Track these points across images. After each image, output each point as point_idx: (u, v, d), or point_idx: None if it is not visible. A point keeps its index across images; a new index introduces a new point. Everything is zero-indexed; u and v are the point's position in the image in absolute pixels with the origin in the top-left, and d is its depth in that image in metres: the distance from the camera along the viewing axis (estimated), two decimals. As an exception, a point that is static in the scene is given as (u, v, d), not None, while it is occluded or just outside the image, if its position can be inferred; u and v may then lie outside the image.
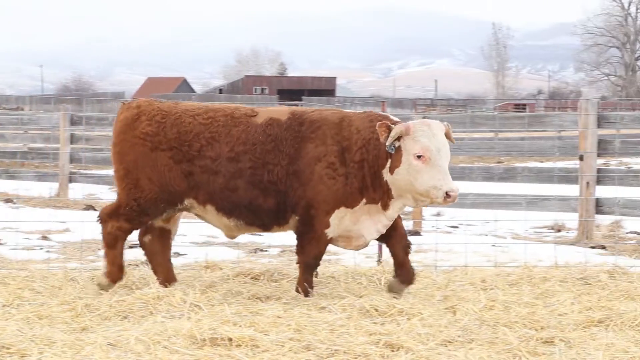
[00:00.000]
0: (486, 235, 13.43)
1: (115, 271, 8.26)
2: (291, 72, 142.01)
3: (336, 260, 10.56)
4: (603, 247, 11.93)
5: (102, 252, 8.47)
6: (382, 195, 7.88)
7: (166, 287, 8.11)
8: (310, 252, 8.05)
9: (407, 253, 8.19)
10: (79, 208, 15.97)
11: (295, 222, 8.07)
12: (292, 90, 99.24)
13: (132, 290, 8.12)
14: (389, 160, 7.74)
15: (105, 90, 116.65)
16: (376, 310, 7.47)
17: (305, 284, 8.07)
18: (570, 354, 6.33)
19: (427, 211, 15.10)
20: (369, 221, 8.01)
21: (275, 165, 7.93)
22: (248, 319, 7.04)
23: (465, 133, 24.55)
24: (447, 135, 7.76)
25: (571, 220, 13.20)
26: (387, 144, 7.62)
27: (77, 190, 17.33)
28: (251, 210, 8.04)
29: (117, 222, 8.21)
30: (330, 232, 8.00)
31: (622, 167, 22.46)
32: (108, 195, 18.67)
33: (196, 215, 8.39)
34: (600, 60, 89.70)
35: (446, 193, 7.51)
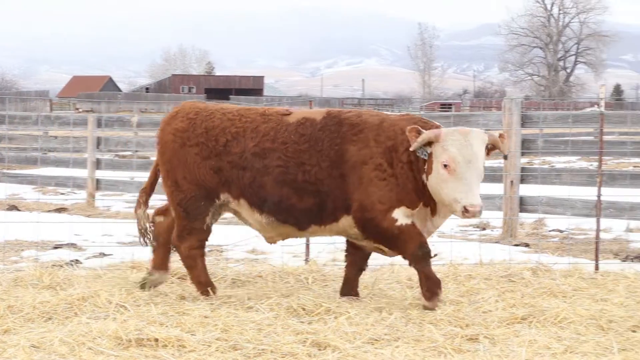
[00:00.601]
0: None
1: (203, 288, 8.12)
2: (219, 71, 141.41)
3: (264, 259, 10.54)
4: (527, 245, 12.09)
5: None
6: (429, 200, 7.63)
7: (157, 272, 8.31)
8: (406, 248, 7.70)
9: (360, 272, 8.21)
10: (2, 208, 15.70)
11: (351, 224, 7.77)
12: (219, 90, 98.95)
13: (57, 291, 8.02)
14: (426, 166, 7.53)
15: (29, 89, 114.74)
16: (304, 309, 7.47)
17: (431, 280, 7.68)
18: (494, 350, 6.40)
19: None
20: (429, 223, 7.81)
21: (313, 165, 7.73)
22: (174, 319, 7.00)
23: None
24: (496, 146, 7.55)
25: (496, 218, 13.35)
26: (412, 149, 7.43)
27: (0, 190, 17.02)
28: (283, 208, 7.83)
29: (185, 241, 8.12)
30: (404, 222, 7.64)
31: (546, 166, 22.79)
32: (32, 195, 18.42)
33: (235, 214, 8.28)
34: (524, 61, 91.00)
35: (464, 207, 7.24)
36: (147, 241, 8.47)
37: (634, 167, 24.19)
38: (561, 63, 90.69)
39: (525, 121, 12.94)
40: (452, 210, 7.40)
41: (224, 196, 8.02)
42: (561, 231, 13.47)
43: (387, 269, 9.54)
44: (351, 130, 7.76)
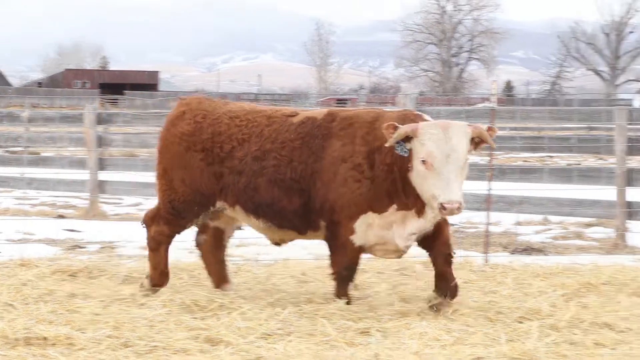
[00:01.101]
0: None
1: (157, 276, 8.02)
2: (113, 66, 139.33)
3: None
4: (420, 239, 12.22)
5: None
6: (415, 201, 7.30)
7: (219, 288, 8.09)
8: (339, 262, 7.53)
9: (448, 263, 7.64)
10: None
11: (324, 229, 7.60)
12: (114, 84, 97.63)
13: (-57, 290, 7.81)
14: (410, 164, 7.21)
15: None
16: (197, 305, 7.43)
17: (342, 297, 7.53)
18: (385, 343, 6.46)
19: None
20: (401, 228, 7.45)
21: (301, 162, 7.52)
22: (64, 317, 6.90)
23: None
24: (484, 139, 7.19)
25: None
26: (387, 144, 7.09)
27: None
28: (276, 212, 7.63)
29: (158, 226, 8.00)
30: (356, 240, 7.46)
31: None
32: None
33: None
34: (419, 57, 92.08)
35: (441, 204, 6.91)
36: None
37: (524, 161, 24.72)
38: (455, 59, 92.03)
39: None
40: (432, 208, 7.11)
41: (219, 204, 7.85)
42: (452, 225, 13.65)
43: (281, 264, 9.56)
44: (340, 124, 7.51)
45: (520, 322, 7.11)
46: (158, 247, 8.00)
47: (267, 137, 7.65)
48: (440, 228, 7.56)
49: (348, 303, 7.44)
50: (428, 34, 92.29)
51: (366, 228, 7.41)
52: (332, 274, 7.60)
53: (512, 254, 11.15)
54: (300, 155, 7.50)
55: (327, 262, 7.65)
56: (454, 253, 7.70)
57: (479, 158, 23.52)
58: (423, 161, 7.01)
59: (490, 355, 6.13)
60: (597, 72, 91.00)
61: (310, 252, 10.45)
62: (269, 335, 6.69)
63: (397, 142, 7.06)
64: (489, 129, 7.21)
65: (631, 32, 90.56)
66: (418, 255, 9.81)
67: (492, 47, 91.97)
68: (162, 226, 7.96)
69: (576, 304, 7.76)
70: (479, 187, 11.33)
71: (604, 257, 10.62)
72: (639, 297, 8.12)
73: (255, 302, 7.59)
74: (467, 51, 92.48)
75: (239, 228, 8.62)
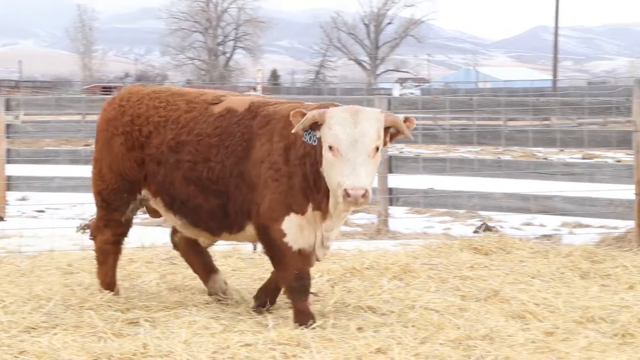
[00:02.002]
0: (73, 218, 13.23)
1: (106, 287, 7.58)
2: None
3: None
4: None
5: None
6: (323, 198, 6.77)
7: (208, 282, 7.68)
8: (286, 275, 6.87)
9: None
10: None
11: (253, 234, 7.04)
12: None
13: None
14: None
15: None
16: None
17: (302, 313, 6.81)
18: (154, 333, 6.40)
19: (12, 195, 14.57)
20: (313, 233, 6.90)
21: (217, 162, 6.97)
22: None
23: (52, 115, 24.11)
24: (399, 129, 6.63)
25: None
26: (293, 131, 6.57)
27: None
28: (191, 209, 7.14)
29: (102, 235, 7.59)
30: (291, 242, 6.82)
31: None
32: None
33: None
34: (185, 45, 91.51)
35: (345, 191, 6.30)
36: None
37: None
38: (221, 48, 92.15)
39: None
40: (336, 198, 6.49)
41: (144, 191, 7.41)
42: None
43: (46, 255, 9.30)
44: (260, 123, 6.98)
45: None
46: (105, 258, 7.59)
47: (184, 125, 7.16)
48: None
49: (310, 316, 6.78)
50: (193, 22, 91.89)
51: (298, 229, 6.83)
52: (284, 292, 7.03)
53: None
54: (216, 154, 6.98)
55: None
56: None
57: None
58: (330, 147, 6.47)
59: (258, 341, 6.19)
60: (359, 62, 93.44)
61: (76, 243, 10.24)
62: (33, 328, 6.51)
63: (306, 131, 6.58)
64: (406, 119, 6.67)
65: (389, 24, 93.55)
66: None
67: (258, 36, 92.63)
68: (105, 233, 7.56)
69: (341, 288, 7.97)
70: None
71: (368, 242, 10.94)
72: (400, 280, 8.42)
73: (19, 295, 7.34)
74: (232, 40, 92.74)
75: None
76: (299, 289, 6.83)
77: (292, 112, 6.56)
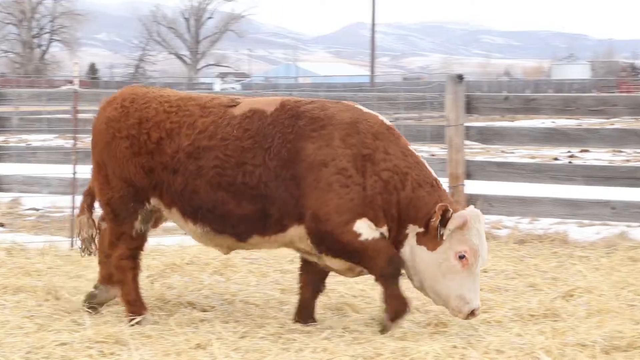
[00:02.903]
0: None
1: (132, 307, 6.89)
2: None
3: None
4: (2, 225, 11.83)
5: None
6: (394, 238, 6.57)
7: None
8: (374, 264, 6.53)
9: (315, 296, 7.01)
10: None
11: (302, 235, 6.61)
12: None
13: None
14: (428, 231, 6.44)
15: None
16: None
17: (397, 300, 6.53)
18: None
19: None
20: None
21: (257, 166, 6.56)
22: None
23: None
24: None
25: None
26: (440, 233, 6.32)
27: None
28: (219, 216, 6.68)
29: (116, 250, 6.95)
30: (368, 236, 6.50)
31: (22, 144, 22.42)
32: None
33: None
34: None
35: (472, 311, 6.30)
36: (91, 251, 7.28)
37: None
38: (36, 40, 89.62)
39: (0, 99, 12.64)
40: (448, 306, 6.39)
41: (154, 201, 6.91)
42: (37, 210, 13.34)
43: None
44: (311, 125, 6.62)
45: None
46: (123, 276, 6.97)
47: (202, 130, 6.75)
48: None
49: (402, 303, 6.54)
50: (7, 14, 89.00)
51: (370, 228, 6.53)
52: (377, 278, 6.62)
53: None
54: (253, 157, 6.61)
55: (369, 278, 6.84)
56: (324, 289, 7.08)
57: (64, 141, 23.15)
58: (461, 257, 6.29)
59: (74, 340, 6.08)
60: (179, 56, 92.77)
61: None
62: None
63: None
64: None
65: (210, 18, 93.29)
66: (1, 242, 9.54)
67: (75, 29, 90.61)
68: (120, 247, 6.98)
69: (161, 285, 7.90)
70: (65, 170, 11.14)
71: (189, 237, 10.85)
72: (221, 275, 8.42)
73: None
74: (48, 32, 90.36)
75: None
76: (393, 273, 6.54)
77: (438, 206, 6.33)
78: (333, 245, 6.53)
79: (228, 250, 7.00)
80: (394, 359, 5.74)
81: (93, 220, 7.30)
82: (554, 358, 5.70)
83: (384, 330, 6.50)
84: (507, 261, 9.03)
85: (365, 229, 6.47)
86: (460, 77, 10.81)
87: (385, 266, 6.50)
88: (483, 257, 6.35)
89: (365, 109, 6.84)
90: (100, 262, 7.28)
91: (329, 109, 6.70)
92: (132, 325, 6.59)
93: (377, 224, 6.50)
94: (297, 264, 8.74)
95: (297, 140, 6.55)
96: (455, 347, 5.97)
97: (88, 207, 7.33)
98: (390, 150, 6.57)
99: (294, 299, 7.42)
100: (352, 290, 7.71)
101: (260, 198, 6.56)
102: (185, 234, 7.16)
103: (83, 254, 7.29)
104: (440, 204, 6.33)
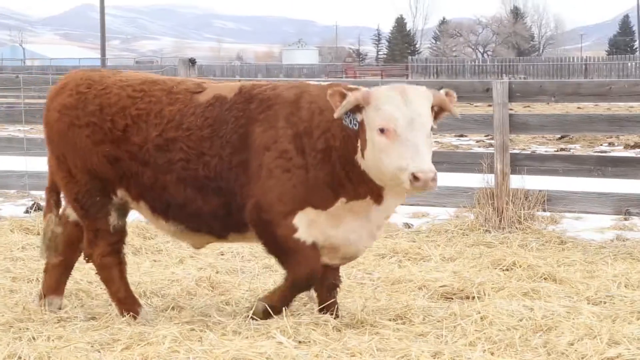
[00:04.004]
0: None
1: (124, 305, 6.44)
2: None
3: None
4: None
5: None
6: (369, 188, 5.97)
7: None
8: (296, 270, 6.10)
9: (331, 292, 6.43)
10: None
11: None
12: None
13: None
14: (359, 141, 5.88)
15: None
16: None
17: (285, 300, 6.18)
18: None
19: None
20: (356, 223, 6.11)
21: (213, 156, 6.09)
22: None
23: None
24: (444, 107, 5.91)
25: None
26: (336, 116, 5.79)
27: None
28: (190, 214, 6.22)
29: (96, 248, 6.44)
30: (304, 236, 6.03)
31: None
32: None
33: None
34: None
35: (412, 175, 5.56)
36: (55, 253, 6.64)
37: None
38: None
39: None
40: (399, 183, 5.72)
41: (121, 193, 6.37)
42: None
43: None
44: (259, 108, 6.13)
45: None
46: (109, 274, 6.45)
47: (170, 119, 6.22)
48: None
49: (279, 311, 6.15)
50: None
51: (310, 224, 6.09)
52: (288, 281, 6.21)
53: None
54: (210, 147, 6.13)
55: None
56: (340, 282, 6.58)
57: None
58: (382, 130, 5.72)
59: None
60: None
61: None
62: None
63: (346, 114, 5.83)
64: (447, 94, 5.99)
65: None
66: None
67: None
68: (99, 245, 6.42)
69: None
70: None
71: None
72: None
73: None
74: None
75: None
76: (303, 288, 6.27)
77: (329, 93, 5.85)
78: (270, 237, 6.17)
79: (206, 244, 6.69)
80: (132, 344, 5.69)
81: (60, 219, 6.71)
82: (288, 337, 5.83)
83: (252, 308, 6.25)
84: (243, 244, 9.15)
85: (304, 228, 6.08)
86: (192, 61, 10.90)
87: (303, 279, 6.18)
88: (403, 120, 5.73)
89: (314, 82, 6.47)
90: (45, 270, 6.78)
91: (278, 88, 6.30)
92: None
93: (326, 204, 6.07)
94: (29, 251, 8.53)
95: (247, 124, 6.16)
96: (193, 329, 6.00)
97: (55, 203, 6.71)
98: (323, 112, 6.07)
99: (25, 287, 7.22)
100: (87, 276, 7.57)
101: (222, 191, 6.19)
102: None
103: (44, 254, 6.69)
104: (329, 91, 5.87)
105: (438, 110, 5.92)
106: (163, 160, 6.23)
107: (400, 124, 5.68)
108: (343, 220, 6.10)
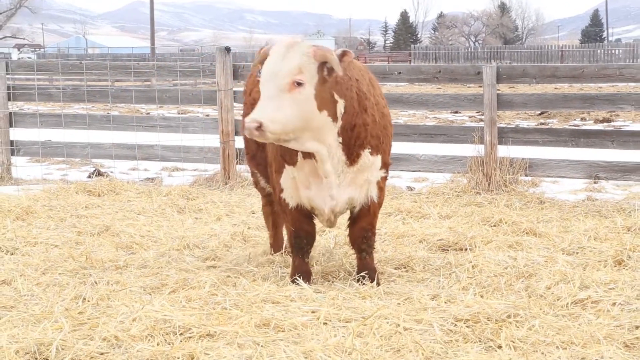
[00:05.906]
0: None
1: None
2: None
3: None
4: None
5: None
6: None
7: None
8: (287, 231, 5.94)
9: (361, 250, 5.86)
10: None
11: None
12: None
13: None
14: None
15: None
16: None
17: (295, 267, 5.89)
18: None
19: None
20: (316, 184, 5.55)
21: None
22: None
23: None
24: (329, 61, 5.20)
25: None
26: (251, 70, 5.48)
27: None
28: None
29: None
30: (287, 197, 5.64)
31: None
32: None
33: None
34: None
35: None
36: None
37: None
38: None
39: None
40: None
41: None
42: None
43: None
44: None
45: None
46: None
47: None
48: (365, 209, 5.72)
49: (299, 274, 5.80)
50: None
51: (291, 183, 5.60)
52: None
53: None
54: None
55: None
56: (370, 241, 5.86)
57: None
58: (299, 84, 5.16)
59: None
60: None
61: None
62: None
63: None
64: (344, 53, 5.30)
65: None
66: None
67: None
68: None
69: (-32, 231, 7.47)
70: None
71: (-9, 189, 10.34)
72: (23, 220, 8.07)
73: None
74: None
75: None
76: (293, 246, 5.84)
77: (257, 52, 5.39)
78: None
79: None
80: (177, 288, 5.70)
81: None
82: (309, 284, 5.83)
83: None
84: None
85: (288, 189, 5.62)
86: (228, 49, 10.90)
87: (290, 238, 5.86)
88: (265, 74, 5.17)
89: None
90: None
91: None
92: None
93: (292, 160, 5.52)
94: (91, 210, 8.54)
95: None
96: (229, 276, 6.00)
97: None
98: None
99: (88, 240, 7.24)
100: (140, 231, 7.58)
101: None
102: None
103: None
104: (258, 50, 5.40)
105: (330, 67, 5.21)
106: None
107: (262, 79, 5.15)
108: (309, 179, 5.55)
